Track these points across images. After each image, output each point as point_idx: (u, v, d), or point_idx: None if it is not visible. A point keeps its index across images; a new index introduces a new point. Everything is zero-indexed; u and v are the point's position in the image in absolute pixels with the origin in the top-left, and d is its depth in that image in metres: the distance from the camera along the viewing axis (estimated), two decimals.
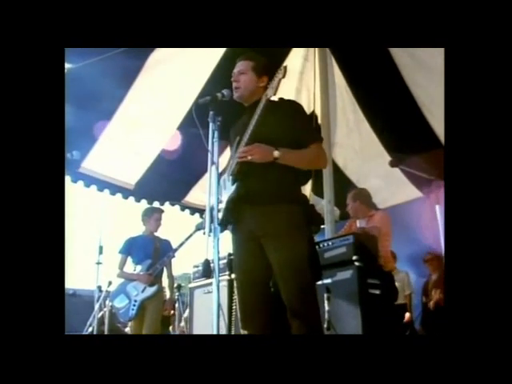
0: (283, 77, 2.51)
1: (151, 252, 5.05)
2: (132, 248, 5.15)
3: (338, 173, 6.35)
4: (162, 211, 5.41)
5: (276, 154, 2.53)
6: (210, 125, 2.58)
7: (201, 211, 7.01)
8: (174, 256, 5.18)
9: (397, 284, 6.34)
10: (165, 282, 5.30)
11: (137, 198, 6.53)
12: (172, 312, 5.47)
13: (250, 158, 2.52)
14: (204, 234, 2.47)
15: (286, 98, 2.83)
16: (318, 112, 5.67)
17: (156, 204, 6.52)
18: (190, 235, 5.01)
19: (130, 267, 5.13)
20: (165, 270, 5.18)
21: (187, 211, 7.11)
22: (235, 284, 2.72)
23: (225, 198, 2.69)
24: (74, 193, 6.45)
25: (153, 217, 5.25)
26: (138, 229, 5.28)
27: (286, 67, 2.52)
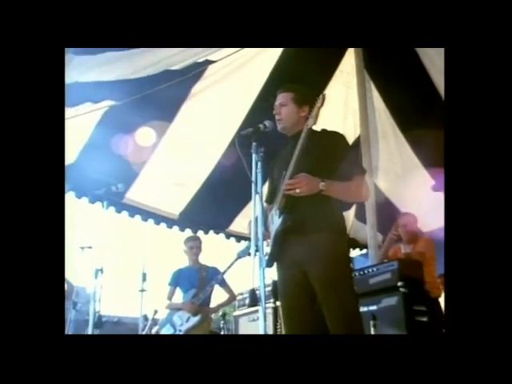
0: (322, 105, 2.54)
1: (197, 281, 5.08)
2: (179, 279, 5.21)
3: (381, 198, 6.30)
4: (197, 238, 5.44)
5: (322, 185, 2.52)
6: (253, 156, 2.57)
7: (246, 239, 6.98)
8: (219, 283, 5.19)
9: None
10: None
11: (181, 228, 6.61)
12: None
13: (298, 190, 2.52)
14: (252, 256, 2.42)
15: (332, 126, 2.81)
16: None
17: (200, 233, 6.58)
18: (232, 264, 5.01)
19: (181, 298, 5.17)
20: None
21: (232, 239, 7.13)
22: (281, 311, 2.72)
23: (272, 231, 2.69)
24: (118, 222, 6.60)
25: (187, 245, 5.29)
26: (183, 257, 5.35)
27: (324, 95, 2.55)
